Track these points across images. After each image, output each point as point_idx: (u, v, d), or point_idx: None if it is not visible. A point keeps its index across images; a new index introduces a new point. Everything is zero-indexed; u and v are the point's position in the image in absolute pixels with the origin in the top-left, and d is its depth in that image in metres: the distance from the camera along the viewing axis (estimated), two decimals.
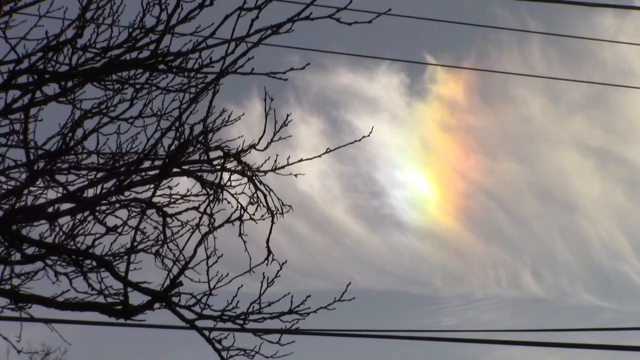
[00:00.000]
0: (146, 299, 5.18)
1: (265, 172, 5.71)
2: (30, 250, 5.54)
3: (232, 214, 5.61)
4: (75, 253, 5.50)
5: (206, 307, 5.24)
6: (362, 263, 23.29)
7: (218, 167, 5.54)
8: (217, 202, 5.57)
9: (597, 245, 23.71)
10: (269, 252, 5.59)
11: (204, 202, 5.61)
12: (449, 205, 22.55)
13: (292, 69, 5.33)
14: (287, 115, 5.64)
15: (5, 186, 5.64)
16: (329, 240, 22.68)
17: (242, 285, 5.31)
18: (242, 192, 5.71)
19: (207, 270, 5.26)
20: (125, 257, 5.46)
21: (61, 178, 5.61)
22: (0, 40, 5.22)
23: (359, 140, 5.81)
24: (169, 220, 5.72)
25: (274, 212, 5.70)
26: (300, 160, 5.71)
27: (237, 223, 5.63)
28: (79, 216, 5.59)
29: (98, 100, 5.58)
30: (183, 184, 5.92)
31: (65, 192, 5.40)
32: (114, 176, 5.47)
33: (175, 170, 5.48)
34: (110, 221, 5.59)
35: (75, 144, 5.46)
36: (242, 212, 5.64)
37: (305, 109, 20.86)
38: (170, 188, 5.91)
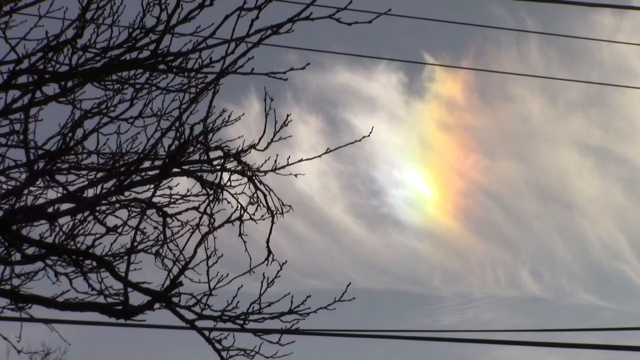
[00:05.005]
0: (146, 299, 5.19)
1: (265, 172, 5.71)
2: (30, 250, 5.54)
3: (232, 214, 5.61)
4: (75, 253, 5.50)
5: (206, 307, 5.25)
6: (361, 262, 23.29)
7: (218, 167, 5.54)
8: (217, 202, 5.57)
9: (596, 244, 23.73)
10: (269, 252, 5.59)
11: (204, 202, 5.61)
12: (447, 205, 22.55)
13: (292, 69, 5.33)
14: (287, 116, 5.65)
15: (5, 186, 5.64)
16: (328, 240, 22.67)
17: (242, 286, 5.33)
18: (242, 192, 5.71)
19: (207, 271, 5.27)
20: (125, 257, 5.46)
21: (61, 178, 5.61)
22: (0, 40, 5.22)
23: (359, 140, 5.82)
24: (169, 220, 5.71)
25: (274, 212, 5.71)
26: (300, 161, 5.71)
27: (237, 223, 5.62)
28: (79, 216, 5.58)
29: (98, 100, 5.58)
30: (183, 184, 5.93)
31: (65, 192, 5.40)
32: (114, 176, 5.47)
33: (175, 170, 5.48)
34: (110, 221, 5.60)
35: (75, 144, 5.46)
36: (242, 212, 5.64)
37: (303, 107, 20.86)
38: (170, 188, 5.91)
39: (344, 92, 20.92)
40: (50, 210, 5.31)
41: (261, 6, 5.04)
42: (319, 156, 5.76)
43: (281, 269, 5.37)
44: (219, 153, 5.55)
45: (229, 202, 5.66)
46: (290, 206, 5.83)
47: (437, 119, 22.03)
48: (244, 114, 5.87)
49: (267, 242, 5.64)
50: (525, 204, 23.95)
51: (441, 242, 24.07)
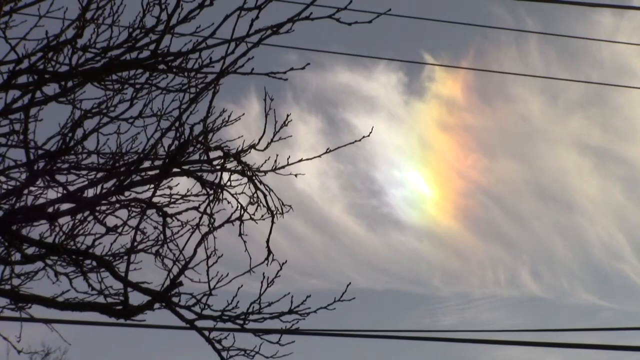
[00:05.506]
0: (146, 299, 5.18)
1: (265, 172, 5.71)
2: (30, 250, 5.54)
3: (232, 214, 5.61)
4: (75, 253, 5.50)
5: (206, 307, 5.25)
6: (361, 262, 23.28)
7: (218, 167, 5.55)
8: (217, 202, 5.57)
9: (595, 244, 23.73)
10: (269, 252, 5.59)
11: (204, 202, 5.61)
12: (447, 205, 22.56)
13: (292, 68, 5.34)
14: (287, 116, 5.65)
15: (5, 186, 5.64)
16: (327, 240, 22.67)
17: (242, 285, 5.32)
18: (242, 192, 5.71)
19: (207, 270, 5.27)
20: (125, 257, 5.46)
21: (61, 178, 5.61)
22: (0, 40, 5.22)
23: (359, 140, 5.82)
24: (169, 220, 5.71)
25: (274, 212, 5.71)
26: (300, 161, 5.71)
27: (237, 223, 5.63)
28: (79, 216, 5.59)
29: (98, 100, 5.59)
30: (183, 184, 5.93)
31: (65, 192, 5.40)
32: (114, 176, 5.47)
33: (175, 170, 5.48)
34: (110, 221, 5.60)
35: (75, 144, 5.46)
36: (242, 212, 5.64)
37: (303, 107, 20.86)
38: (170, 188, 5.91)
39: (344, 92, 20.93)
40: (50, 210, 5.31)
41: (261, 6, 5.04)
42: (319, 156, 5.76)
43: (281, 268, 5.37)
44: (219, 153, 5.55)
45: (229, 202, 5.66)
46: (290, 206, 5.84)
47: (437, 119, 22.04)
48: (244, 114, 5.87)
49: (267, 242, 5.64)
50: (525, 204, 23.96)
51: (441, 242, 24.07)
